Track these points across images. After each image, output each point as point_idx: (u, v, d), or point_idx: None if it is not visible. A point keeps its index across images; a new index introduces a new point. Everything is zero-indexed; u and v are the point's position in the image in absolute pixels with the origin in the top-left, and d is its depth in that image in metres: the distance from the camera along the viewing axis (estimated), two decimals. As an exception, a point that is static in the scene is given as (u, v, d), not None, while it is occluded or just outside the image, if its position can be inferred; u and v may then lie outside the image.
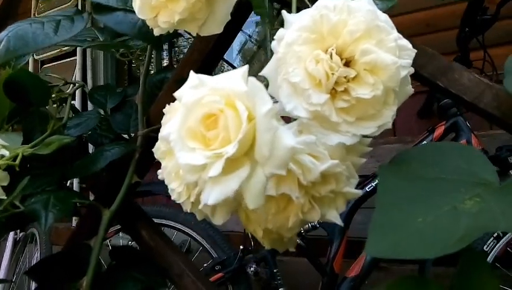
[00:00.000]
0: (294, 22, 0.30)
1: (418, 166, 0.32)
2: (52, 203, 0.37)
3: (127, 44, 0.56)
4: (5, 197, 0.39)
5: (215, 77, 0.26)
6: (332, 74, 0.28)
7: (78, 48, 2.96)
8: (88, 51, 3.02)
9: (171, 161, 0.34)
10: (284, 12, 0.32)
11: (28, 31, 0.35)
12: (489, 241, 1.27)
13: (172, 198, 0.34)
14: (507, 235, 1.27)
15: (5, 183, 0.40)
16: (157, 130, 0.56)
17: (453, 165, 0.32)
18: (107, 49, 0.56)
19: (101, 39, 0.58)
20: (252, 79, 0.23)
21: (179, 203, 0.34)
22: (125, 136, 0.59)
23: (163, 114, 0.56)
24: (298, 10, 0.40)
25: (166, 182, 0.34)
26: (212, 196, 0.23)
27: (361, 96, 0.28)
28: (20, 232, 1.85)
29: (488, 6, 1.22)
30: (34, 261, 1.68)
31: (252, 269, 1.15)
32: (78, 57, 2.91)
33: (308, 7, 0.39)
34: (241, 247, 1.45)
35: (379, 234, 0.24)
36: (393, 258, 0.23)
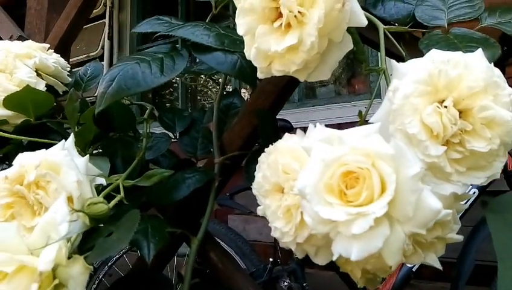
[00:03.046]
0: (407, 73, 0.31)
1: (520, 215, 0.33)
2: (150, 232, 0.39)
3: (199, 71, 0.58)
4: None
5: (346, 131, 0.27)
6: (451, 126, 0.29)
7: (105, 51, 3.01)
8: (115, 53, 3.07)
9: (276, 200, 0.35)
10: (393, 62, 0.33)
11: (137, 70, 0.37)
12: None
13: (273, 235, 0.35)
14: None
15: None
16: (232, 158, 0.58)
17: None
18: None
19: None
20: (397, 141, 0.24)
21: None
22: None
23: (237, 141, 0.57)
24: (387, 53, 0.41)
25: (269, 220, 0.35)
26: (355, 252, 0.24)
27: (477, 149, 0.29)
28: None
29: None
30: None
31: (285, 283, 1.16)
32: (105, 62, 2.97)
33: (401, 52, 0.40)
34: (271, 259, 1.46)
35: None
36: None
